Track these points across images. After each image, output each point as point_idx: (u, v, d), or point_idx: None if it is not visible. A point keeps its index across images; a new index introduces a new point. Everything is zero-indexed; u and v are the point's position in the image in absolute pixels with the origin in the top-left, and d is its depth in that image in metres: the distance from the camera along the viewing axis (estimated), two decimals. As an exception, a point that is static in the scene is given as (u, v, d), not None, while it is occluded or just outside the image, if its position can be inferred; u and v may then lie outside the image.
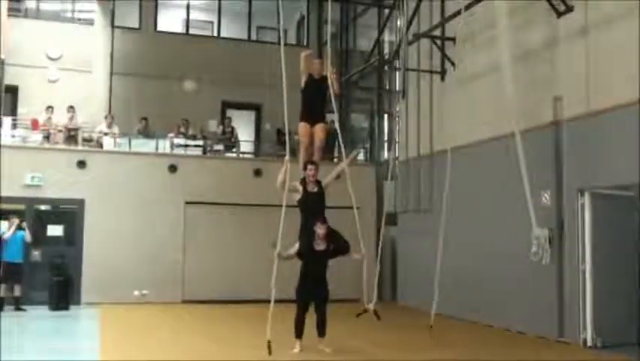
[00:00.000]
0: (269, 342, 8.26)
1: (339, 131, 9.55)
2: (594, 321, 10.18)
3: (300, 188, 9.24)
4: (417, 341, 10.57)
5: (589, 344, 10.15)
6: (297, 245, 9.12)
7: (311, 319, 9.14)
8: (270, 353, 8.21)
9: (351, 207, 9.35)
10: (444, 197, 10.33)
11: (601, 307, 10.20)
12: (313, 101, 9.50)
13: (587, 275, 10.29)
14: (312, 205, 9.13)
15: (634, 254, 10.42)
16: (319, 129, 9.46)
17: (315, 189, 9.24)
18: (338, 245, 9.16)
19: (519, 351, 9.95)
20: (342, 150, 9.60)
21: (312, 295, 9.05)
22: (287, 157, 9.03)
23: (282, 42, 8.94)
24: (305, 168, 9.23)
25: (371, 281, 9.80)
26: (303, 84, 9.54)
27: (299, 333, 9.05)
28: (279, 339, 8.60)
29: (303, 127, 9.48)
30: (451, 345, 10.28)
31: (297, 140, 10.50)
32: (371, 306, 9.45)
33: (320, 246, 9.01)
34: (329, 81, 9.40)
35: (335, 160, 16.75)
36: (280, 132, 16.01)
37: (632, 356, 9.02)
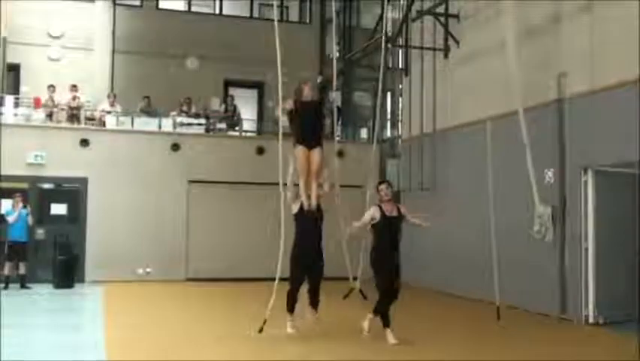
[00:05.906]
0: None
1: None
2: (596, 298, 10.22)
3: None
4: (414, 320, 10.59)
5: (591, 321, 10.20)
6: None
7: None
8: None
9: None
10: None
11: (603, 284, 10.23)
12: (309, 125, 8.89)
13: (590, 253, 10.32)
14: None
15: (636, 231, 10.42)
16: (316, 154, 8.79)
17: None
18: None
19: (521, 328, 9.96)
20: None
21: (309, 266, 8.63)
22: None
23: (275, 21, 9.14)
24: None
25: (355, 258, 9.55)
26: (293, 109, 8.94)
27: (292, 307, 8.71)
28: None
29: (300, 151, 8.77)
30: (449, 323, 10.32)
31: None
32: (356, 284, 9.33)
33: (313, 203, 8.65)
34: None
35: (338, 138, 16.73)
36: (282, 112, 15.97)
37: (634, 332, 9.03)
